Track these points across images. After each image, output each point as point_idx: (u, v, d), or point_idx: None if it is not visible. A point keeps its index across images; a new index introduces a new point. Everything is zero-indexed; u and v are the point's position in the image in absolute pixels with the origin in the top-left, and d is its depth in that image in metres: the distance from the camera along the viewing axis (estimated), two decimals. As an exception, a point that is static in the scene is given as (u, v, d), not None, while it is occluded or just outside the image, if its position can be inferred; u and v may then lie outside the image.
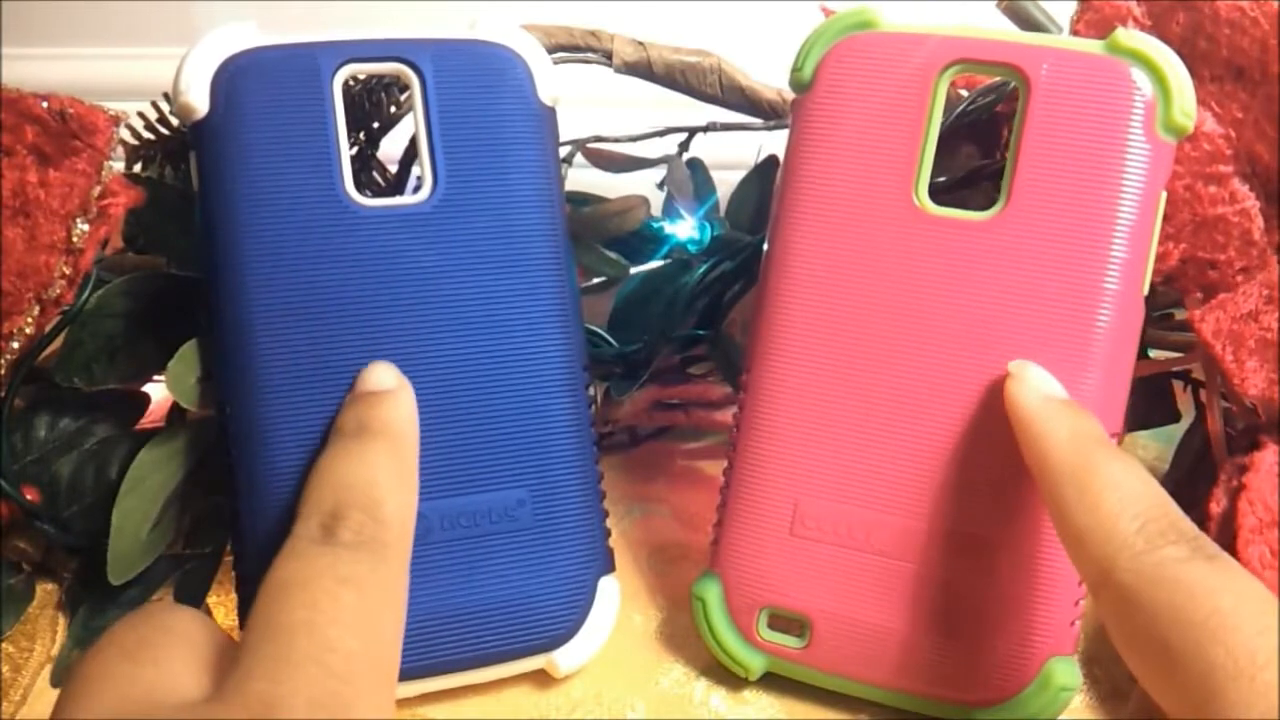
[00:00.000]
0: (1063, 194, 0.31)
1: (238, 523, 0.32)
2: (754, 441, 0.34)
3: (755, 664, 0.34)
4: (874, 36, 0.33)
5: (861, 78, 0.33)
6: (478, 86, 0.33)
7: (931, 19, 0.33)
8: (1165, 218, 0.33)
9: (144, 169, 0.39)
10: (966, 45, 0.32)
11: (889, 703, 0.33)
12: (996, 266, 0.32)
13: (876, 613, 0.33)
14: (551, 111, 0.34)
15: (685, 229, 0.46)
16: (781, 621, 0.34)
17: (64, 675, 0.34)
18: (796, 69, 0.34)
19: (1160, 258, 0.35)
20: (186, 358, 0.34)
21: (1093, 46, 0.32)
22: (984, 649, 0.32)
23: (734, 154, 0.47)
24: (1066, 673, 0.32)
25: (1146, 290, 0.32)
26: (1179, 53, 0.31)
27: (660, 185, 0.48)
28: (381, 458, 0.29)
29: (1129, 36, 0.31)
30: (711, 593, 0.34)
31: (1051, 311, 0.31)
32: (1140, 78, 0.31)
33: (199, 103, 0.31)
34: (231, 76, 0.31)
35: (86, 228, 0.32)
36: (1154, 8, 0.35)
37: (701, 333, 0.45)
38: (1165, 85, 0.31)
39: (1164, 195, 0.32)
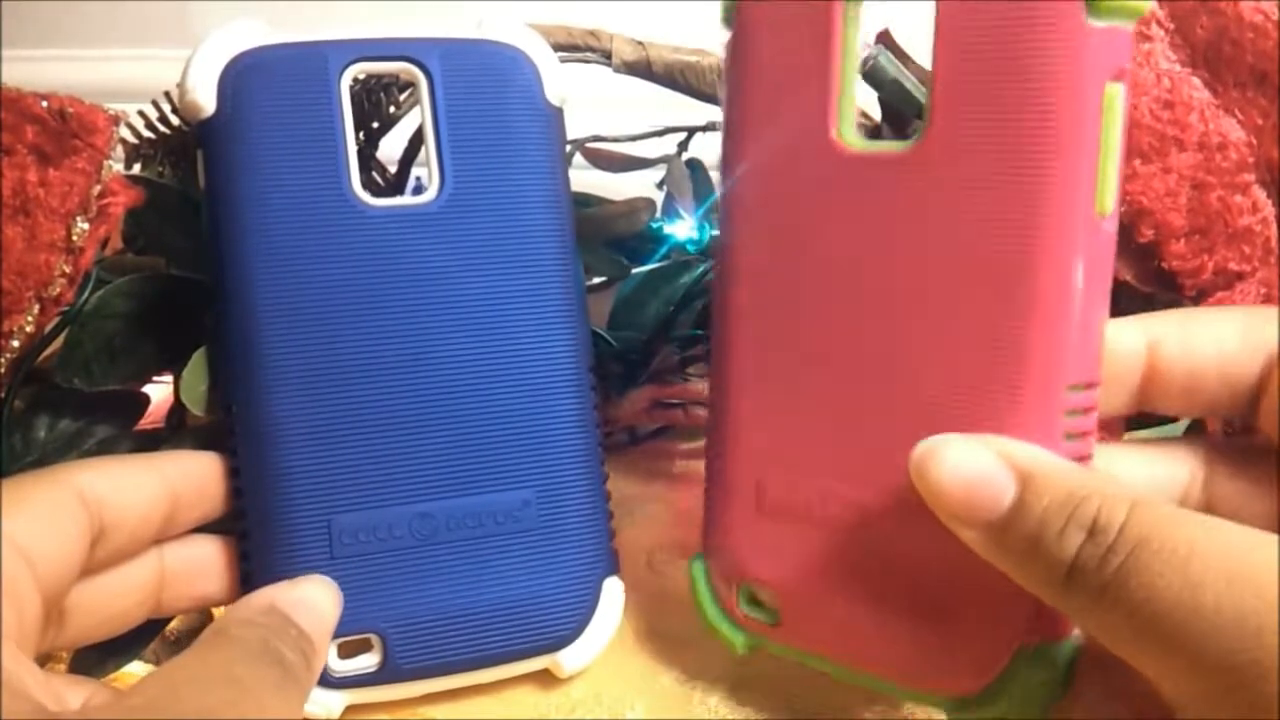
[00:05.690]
0: (986, 105, 0.27)
1: (241, 523, 0.32)
2: (716, 420, 0.33)
3: (738, 639, 0.34)
4: None
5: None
6: (485, 86, 0.33)
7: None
8: (1200, 228, 0.30)
9: (143, 168, 0.39)
10: None
11: (862, 684, 0.32)
12: (925, 201, 0.28)
13: (844, 589, 0.31)
14: (559, 111, 0.34)
15: (684, 229, 0.46)
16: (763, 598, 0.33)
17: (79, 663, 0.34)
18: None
19: (1193, 271, 0.33)
20: (197, 367, 0.34)
21: None
22: (957, 632, 0.29)
23: (733, 154, 0.47)
24: (1046, 660, 0.29)
25: (1111, 208, 0.27)
26: (1203, 58, 0.30)
27: (659, 185, 0.48)
28: None
29: None
30: (698, 569, 0.34)
31: (993, 245, 0.27)
32: None
33: (206, 101, 0.31)
34: (239, 75, 0.31)
35: (86, 227, 0.32)
36: (1176, 9, 0.34)
37: (700, 332, 0.45)
38: None
39: (1120, 90, 0.26)
